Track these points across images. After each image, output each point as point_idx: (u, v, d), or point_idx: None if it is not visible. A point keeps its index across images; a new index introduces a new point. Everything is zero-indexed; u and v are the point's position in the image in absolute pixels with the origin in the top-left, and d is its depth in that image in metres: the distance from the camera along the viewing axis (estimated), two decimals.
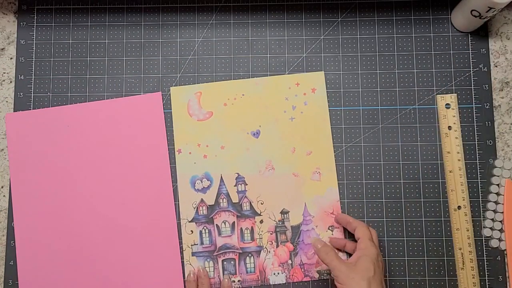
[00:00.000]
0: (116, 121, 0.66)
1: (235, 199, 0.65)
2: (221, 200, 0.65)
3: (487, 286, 0.63)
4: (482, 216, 0.64)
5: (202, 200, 0.65)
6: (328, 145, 0.65)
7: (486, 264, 0.63)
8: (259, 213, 0.64)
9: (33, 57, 0.68)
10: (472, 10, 0.63)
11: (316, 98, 0.66)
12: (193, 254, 0.64)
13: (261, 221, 0.64)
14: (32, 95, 0.67)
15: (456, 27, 0.67)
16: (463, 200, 0.64)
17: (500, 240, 0.63)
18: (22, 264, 0.64)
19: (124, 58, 0.68)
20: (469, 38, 0.68)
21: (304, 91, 0.66)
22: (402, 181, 0.65)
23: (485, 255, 0.63)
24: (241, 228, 0.64)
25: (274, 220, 0.64)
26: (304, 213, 0.64)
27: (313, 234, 0.64)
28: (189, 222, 0.64)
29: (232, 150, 0.65)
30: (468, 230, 0.63)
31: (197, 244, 0.64)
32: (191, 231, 0.64)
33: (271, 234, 0.64)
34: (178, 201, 0.65)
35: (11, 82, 0.68)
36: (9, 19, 0.69)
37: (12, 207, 0.65)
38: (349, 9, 0.68)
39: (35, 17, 0.69)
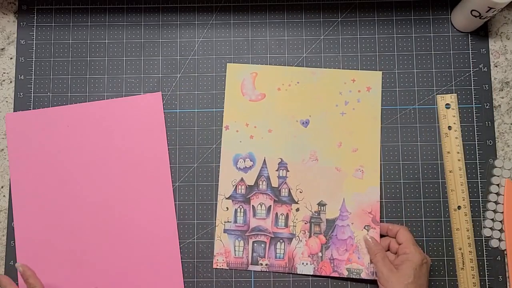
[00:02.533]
0: (116, 121, 0.66)
1: (275, 183, 0.65)
2: (260, 182, 0.65)
3: (487, 286, 0.63)
4: (482, 216, 0.64)
5: (242, 179, 0.65)
6: (375, 145, 0.65)
7: (486, 264, 0.63)
8: (297, 201, 0.64)
9: (33, 57, 0.68)
10: (472, 10, 0.63)
11: (370, 97, 0.66)
12: (225, 231, 0.64)
13: (297, 209, 0.64)
14: (32, 95, 0.67)
15: (456, 27, 0.67)
16: (463, 200, 0.64)
17: (500, 240, 0.63)
18: None
19: (124, 58, 0.68)
20: (469, 38, 0.67)
21: (359, 88, 0.66)
22: (402, 181, 0.65)
23: (485, 255, 0.63)
24: (276, 213, 0.64)
25: (310, 211, 0.64)
26: (341, 208, 0.64)
27: (347, 231, 0.63)
28: (226, 199, 0.65)
29: (279, 135, 0.66)
30: (468, 230, 0.63)
31: (231, 222, 0.64)
32: (227, 208, 0.65)
33: (305, 223, 0.64)
34: (218, 177, 0.65)
35: (11, 82, 0.68)
36: (9, 19, 0.69)
37: (12, 207, 0.65)
38: (349, 9, 0.68)
39: (35, 17, 0.69)
